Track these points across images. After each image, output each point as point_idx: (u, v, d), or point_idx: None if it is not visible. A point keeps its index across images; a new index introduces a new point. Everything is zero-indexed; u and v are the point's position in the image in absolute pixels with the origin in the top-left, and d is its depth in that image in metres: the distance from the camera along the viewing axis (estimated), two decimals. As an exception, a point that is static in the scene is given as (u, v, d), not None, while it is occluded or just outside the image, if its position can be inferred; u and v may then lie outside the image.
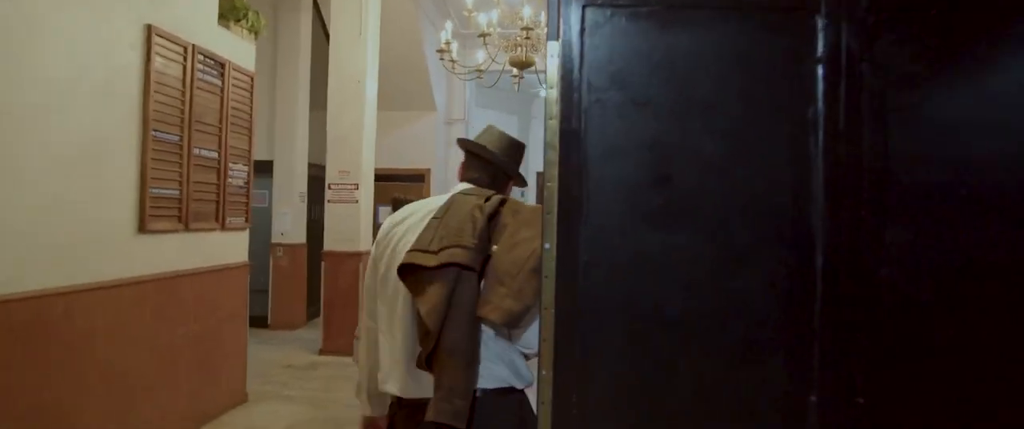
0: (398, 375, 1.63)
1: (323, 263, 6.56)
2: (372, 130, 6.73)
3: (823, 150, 1.08)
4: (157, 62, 3.57)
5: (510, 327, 1.51)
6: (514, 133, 15.04)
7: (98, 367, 3.24)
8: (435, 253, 1.52)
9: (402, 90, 9.49)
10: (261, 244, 7.85)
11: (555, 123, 1.15)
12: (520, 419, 1.62)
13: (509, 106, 15.50)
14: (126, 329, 3.44)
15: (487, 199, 1.65)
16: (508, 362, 1.60)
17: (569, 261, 1.10)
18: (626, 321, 1.11)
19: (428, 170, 10.27)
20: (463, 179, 1.80)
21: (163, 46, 3.63)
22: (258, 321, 7.83)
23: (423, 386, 1.56)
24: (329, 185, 6.56)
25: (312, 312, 8.52)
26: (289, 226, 7.82)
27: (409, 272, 1.55)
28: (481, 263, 1.54)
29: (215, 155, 4.20)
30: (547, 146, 1.15)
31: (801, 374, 1.08)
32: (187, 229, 3.92)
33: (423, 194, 10.06)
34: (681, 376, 1.11)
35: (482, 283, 1.54)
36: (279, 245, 7.81)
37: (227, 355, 4.50)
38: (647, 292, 1.10)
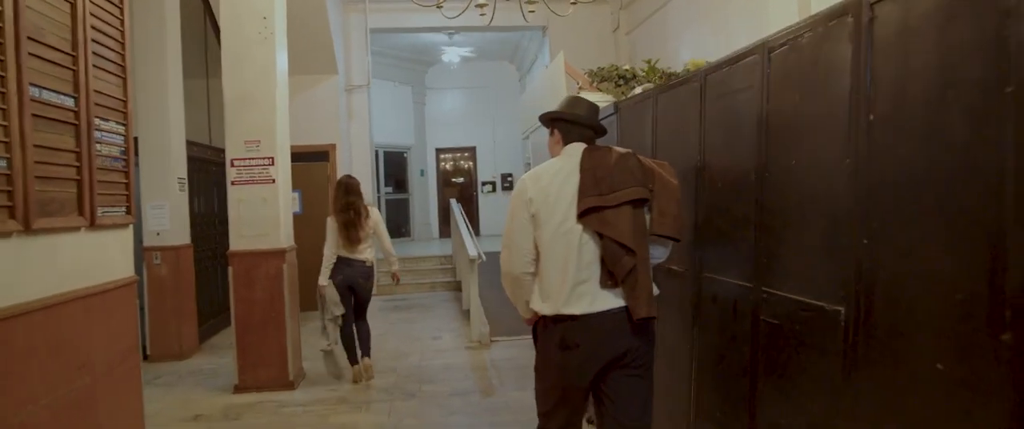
0: (581, 295, 2.12)
1: (230, 268, 4.83)
2: (285, 86, 5.03)
3: None
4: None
5: (678, 239, 2.17)
6: (411, 105, 13.52)
7: None
8: (608, 194, 2.12)
9: (299, 49, 7.70)
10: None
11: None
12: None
13: (403, 77, 13.88)
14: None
15: (609, 149, 2.24)
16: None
17: None
18: None
19: (333, 146, 8.55)
20: (568, 141, 2.31)
21: None
22: (133, 352, 5.89)
23: (599, 301, 2.11)
24: (232, 162, 4.81)
25: (206, 333, 6.64)
26: (167, 223, 5.93)
27: (592, 211, 2.11)
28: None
29: (71, 102, 2.49)
30: None
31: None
32: (27, 230, 2.22)
33: (328, 174, 8.36)
34: None
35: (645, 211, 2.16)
36: (155, 248, 5.90)
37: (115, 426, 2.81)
38: None
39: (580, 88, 5.83)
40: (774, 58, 1.90)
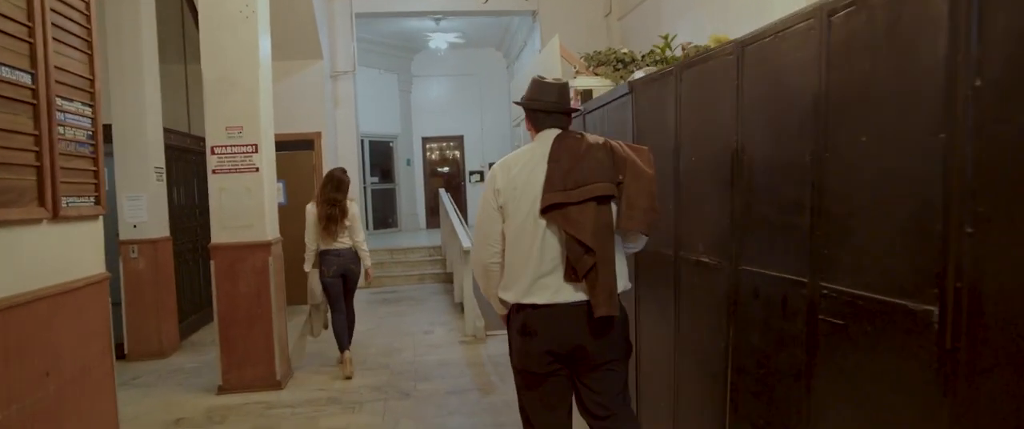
0: (544, 287, 2.15)
1: (212, 262, 4.54)
2: (268, 68, 4.74)
3: None
4: None
5: (648, 233, 2.19)
6: (396, 93, 13.26)
7: None
8: (573, 189, 2.10)
9: (282, 33, 7.38)
10: (106, 241, 5.57)
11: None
12: (624, 310, 2.24)
13: (389, 64, 13.54)
14: None
15: (581, 136, 2.22)
16: (621, 267, 2.21)
17: None
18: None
19: (318, 134, 8.24)
20: (540, 128, 2.29)
21: None
22: (110, 351, 5.60)
23: (562, 294, 2.14)
24: (212, 149, 4.51)
25: (187, 330, 6.35)
26: (144, 214, 5.61)
27: (555, 208, 2.10)
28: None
29: (28, 79, 2.21)
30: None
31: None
32: (-19, 223, 1.95)
33: (314, 163, 8.06)
34: None
35: (612, 205, 2.16)
36: (132, 242, 5.59)
37: (84, 439, 2.55)
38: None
39: (577, 73, 5.60)
40: (835, 22, 1.67)
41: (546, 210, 2.11)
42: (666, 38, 4.57)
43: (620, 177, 2.13)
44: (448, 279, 9.06)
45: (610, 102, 3.30)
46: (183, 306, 6.25)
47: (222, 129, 4.49)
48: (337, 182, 4.77)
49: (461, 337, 6.00)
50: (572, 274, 2.11)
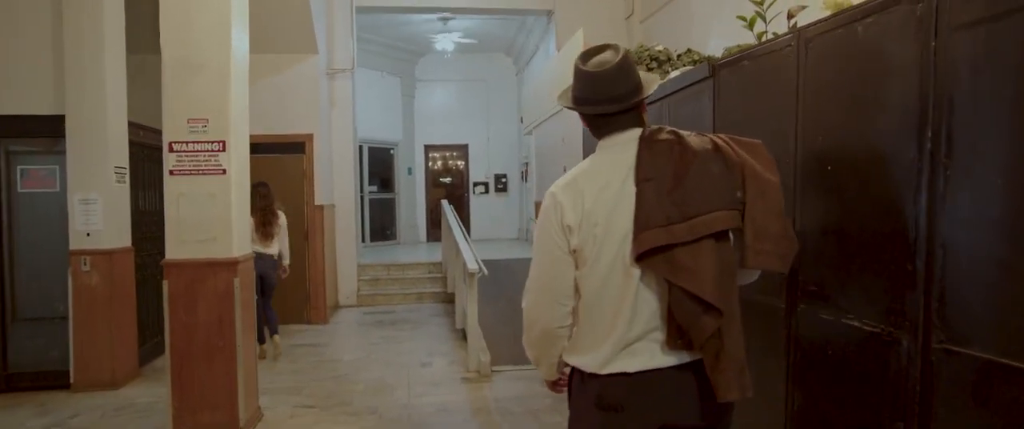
0: (633, 353, 1.49)
1: (165, 283, 3.75)
2: (244, 50, 3.96)
3: None
4: None
5: (786, 270, 1.49)
6: (399, 98, 12.47)
7: None
8: (679, 223, 1.43)
9: (272, 23, 6.64)
10: (54, 252, 4.81)
11: None
12: None
13: (392, 67, 12.80)
14: None
15: (678, 137, 1.51)
16: None
17: None
18: None
19: (310, 136, 7.47)
20: (603, 133, 1.59)
21: None
22: (52, 378, 4.80)
23: (658, 357, 1.49)
24: (170, 146, 3.73)
25: (149, 353, 5.54)
26: (100, 222, 4.83)
27: (657, 251, 1.43)
28: None
29: None
30: None
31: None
32: None
33: (304, 168, 7.30)
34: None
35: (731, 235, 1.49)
36: (84, 252, 4.80)
37: None
38: None
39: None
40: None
41: (644, 255, 1.45)
42: (761, 4, 2.81)
43: (740, 194, 1.46)
44: (449, 299, 8.26)
45: (675, 92, 2.53)
46: (145, 327, 5.45)
47: (183, 122, 3.71)
48: (262, 193, 5.55)
49: (463, 373, 5.19)
50: (679, 340, 1.47)
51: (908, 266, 1.38)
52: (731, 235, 1.48)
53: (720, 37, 6.02)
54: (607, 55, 1.57)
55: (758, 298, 1.87)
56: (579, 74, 1.58)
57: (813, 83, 1.74)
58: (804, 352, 1.73)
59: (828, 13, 2.02)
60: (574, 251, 1.52)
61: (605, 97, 1.54)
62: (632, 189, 1.49)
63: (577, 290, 1.55)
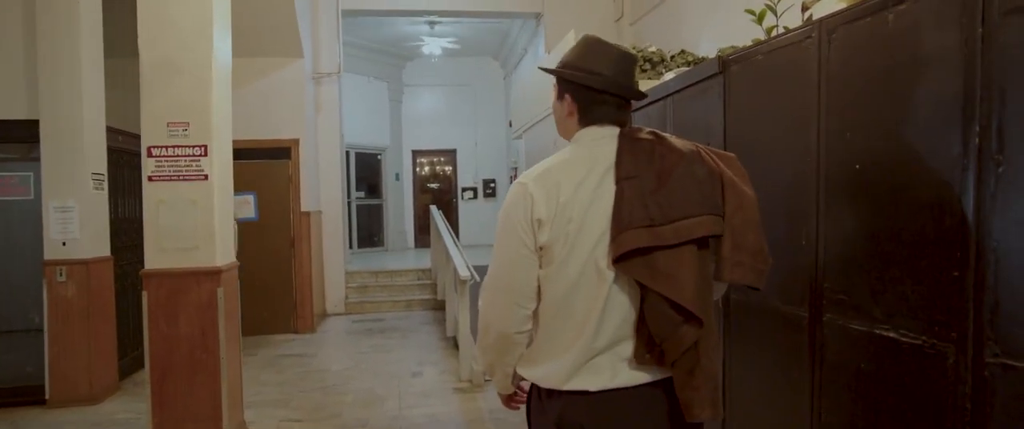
0: (596, 369, 1.36)
1: (145, 293, 3.58)
2: (227, 51, 3.81)
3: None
4: None
5: (761, 286, 1.37)
6: (386, 103, 12.35)
7: None
8: (664, 225, 1.32)
9: (256, 27, 6.47)
10: (29, 263, 4.62)
11: None
12: None
13: (378, 72, 12.64)
14: None
15: (660, 137, 1.41)
16: None
17: None
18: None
19: (296, 141, 7.31)
20: (590, 121, 1.45)
21: None
22: (27, 394, 4.60)
23: (622, 375, 1.37)
24: (149, 150, 3.57)
25: (130, 366, 5.35)
26: (75, 229, 4.64)
27: (637, 254, 1.31)
28: None
29: None
30: None
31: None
32: None
33: (290, 174, 7.14)
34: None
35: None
36: (60, 262, 4.61)
37: None
38: None
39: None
40: None
41: (623, 257, 1.31)
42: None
43: (720, 203, 1.38)
44: (439, 306, 8.11)
45: (677, 91, 2.41)
46: (125, 339, 5.25)
47: (162, 125, 3.55)
48: None
49: (455, 382, 5.04)
50: (648, 353, 1.34)
51: (954, 272, 1.27)
52: (711, 244, 1.38)
53: (712, 38, 5.94)
54: (622, 47, 1.48)
55: (777, 306, 1.76)
56: (595, 44, 1.46)
57: (837, 76, 1.64)
58: (831, 366, 1.61)
59: (845, 5, 1.92)
60: (541, 248, 1.39)
61: (626, 80, 1.44)
62: (611, 186, 1.37)
63: (539, 292, 1.42)
